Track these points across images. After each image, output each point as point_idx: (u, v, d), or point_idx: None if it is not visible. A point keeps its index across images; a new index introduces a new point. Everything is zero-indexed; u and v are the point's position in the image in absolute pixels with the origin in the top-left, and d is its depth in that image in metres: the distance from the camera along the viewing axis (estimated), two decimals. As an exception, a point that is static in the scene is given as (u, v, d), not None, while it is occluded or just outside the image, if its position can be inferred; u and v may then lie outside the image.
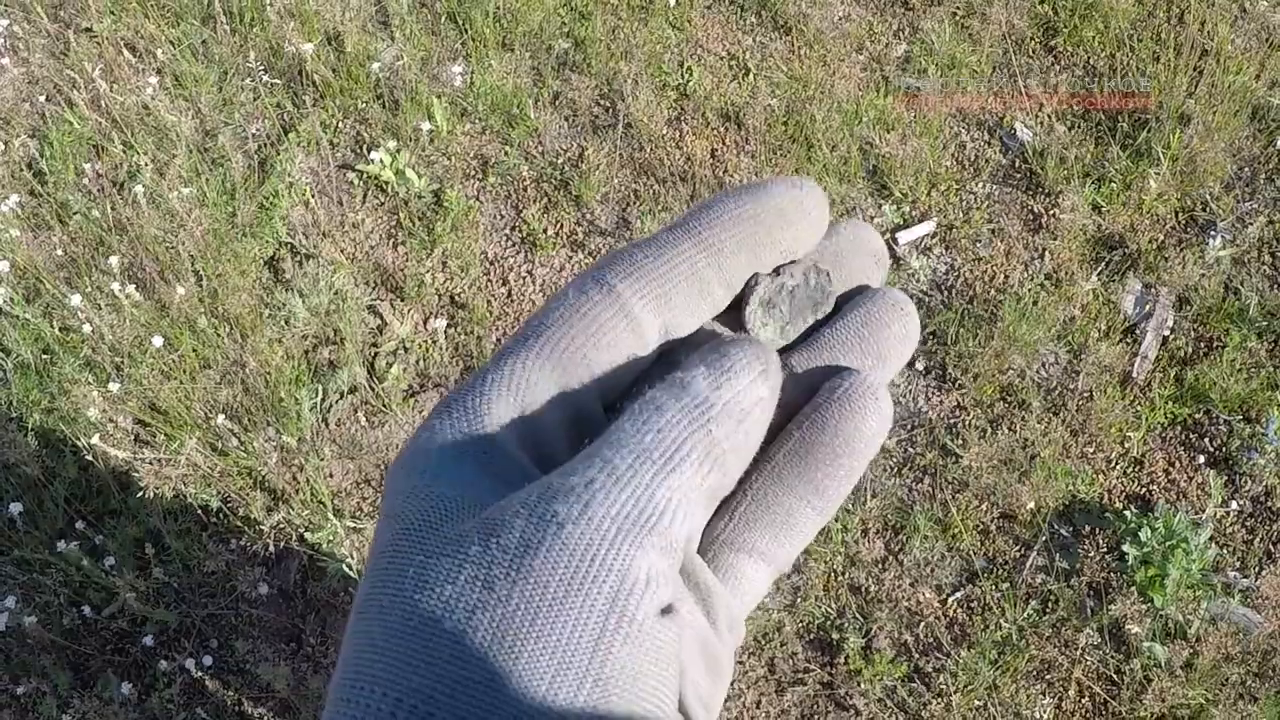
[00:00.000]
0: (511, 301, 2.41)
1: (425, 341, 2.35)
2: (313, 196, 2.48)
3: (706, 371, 0.30)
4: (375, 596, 0.28)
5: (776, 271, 0.35)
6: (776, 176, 0.34)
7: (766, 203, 0.33)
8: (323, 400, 2.26)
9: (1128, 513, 2.16)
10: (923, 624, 2.12)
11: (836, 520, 2.19)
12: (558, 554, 0.26)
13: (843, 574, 2.17)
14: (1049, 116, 2.66)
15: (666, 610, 0.27)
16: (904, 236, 2.50)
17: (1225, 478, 2.23)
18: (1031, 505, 2.20)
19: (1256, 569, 2.15)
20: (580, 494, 0.27)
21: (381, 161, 2.49)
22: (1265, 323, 2.37)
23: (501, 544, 0.27)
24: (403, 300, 2.39)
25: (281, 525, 2.15)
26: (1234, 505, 2.20)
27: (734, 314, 0.36)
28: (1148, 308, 2.41)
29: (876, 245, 0.38)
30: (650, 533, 0.27)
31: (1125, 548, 2.11)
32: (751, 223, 0.33)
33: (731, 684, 2.08)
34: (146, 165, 2.47)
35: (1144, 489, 2.24)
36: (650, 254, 0.32)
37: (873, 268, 0.37)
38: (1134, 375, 2.34)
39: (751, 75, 2.70)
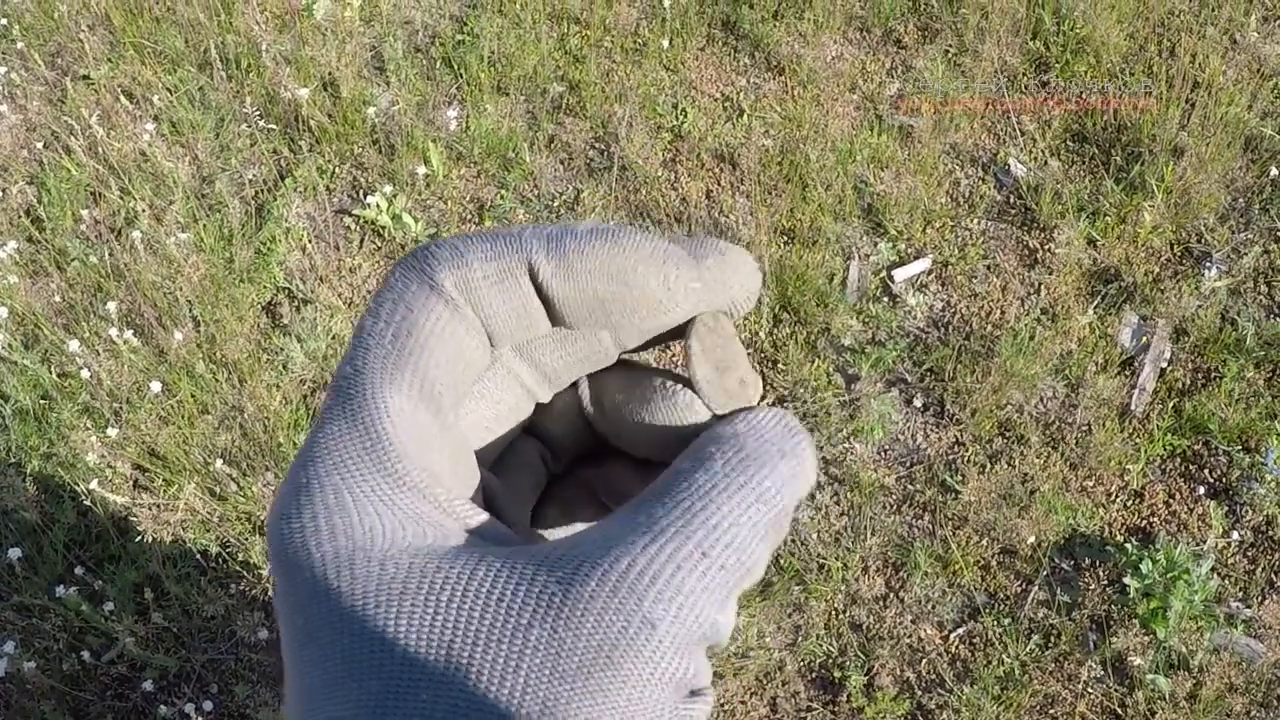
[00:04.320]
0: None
1: (423, 383, 2.45)
2: (310, 241, 2.61)
3: (793, 471, 0.31)
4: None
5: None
6: (647, 251, 0.32)
7: (631, 293, 0.32)
8: (321, 443, 2.36)
9: (1129, 545, 2.25)
10: (925, 660, 2.20)
11: (837, 558, 2.28)
12: (638, 654, 0.27)
13: (844, 612, 2.26)
14: (1043, 152, 2.79)
15: (698, 691, 0.29)
16: (900, 274, 2.61)
17: (1226, 508, 2.33)
18: (1032, 540, 2.29)
19: (1259, 599, 2.24)
20: (673, 599, 0.27)
21: (378, 206, 2.61)
22: (1262, 352, 2.48)
23: (583, 640, 0.26)
24: (400, 342, 2.50)
25: (280, 569, 2.24)
26: (1235, 535, 2.30)
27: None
28: (1145, 340, 2.53)
29: (745, 280, 0.35)
30: (712, 641, 0.29)
31: (1127, 580, 2.20)
32: (600, 309, 0.33)
33: (734, 723, 2.17)
34: (144, 211, 2.59)
35: (1144, 521, 2.34)
36: (495, 290, 0.32)
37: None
38: (1132, 407, 2.45)
39: (745, 116, 2.84)
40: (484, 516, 0.31)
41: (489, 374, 0.35)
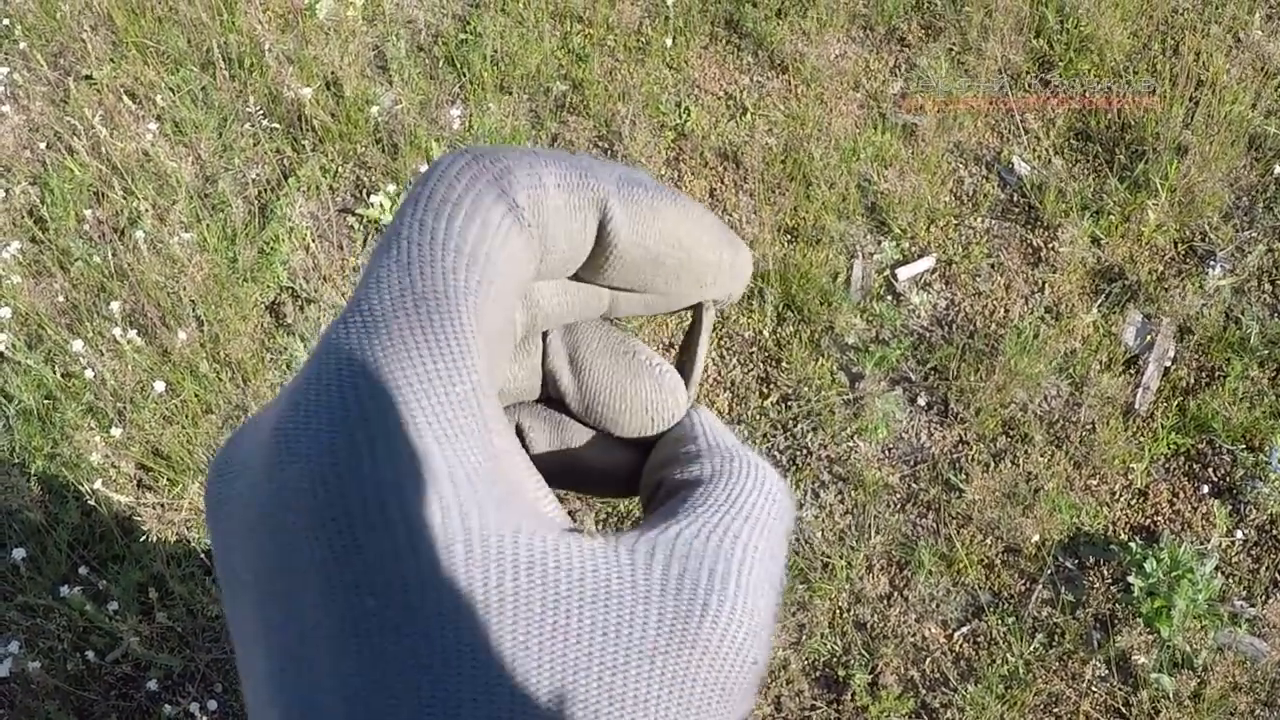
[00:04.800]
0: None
1: (426, 383, 2.46)
2: (313, 241, 2.61)
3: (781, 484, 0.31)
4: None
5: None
6: (709, 224, 0.32)
7: (691, 263, 0.32)
8: (325, 443, 2.37)
9: (1133, 544, 2.26)
10: (929, 659, 2.21)
11: (841, 557, 2.29)
12: (746, 689, 0.27)
13: (848, 610, 2.26)
14: (1047, 150, 2.80)
15: None
16: (904, 272, 2.62)
17: (1230, 507, 2.33)
18: (1036, 538, 2.30)
19: (1263, 597, 2.24)
20: (768, 636, 0.28)
21: (381, 205, 2.62)
22: (1266, 351, 2.48)
23: (711, 675, 0.26)
24: (403, 342, 2.50)
25: (284, 568, 2.25)
26: (1239, 534, 2.30)
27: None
28: (1149, 338, 2.53)
29: (746, 277, 0.36)
30: None
31: (1131, 579, 2.20)
32: (653, 270, 0.31)
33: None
34: (147, 211, 2.60)
35: (1149, 520, 2.34)
36: (562, 223, 0.29)
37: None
38: (1136, 406, 2.45)
39: (749, 114, 2.84)
40: (548, 491, 0.28)
41: None
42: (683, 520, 0.28)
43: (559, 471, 0.34)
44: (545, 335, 0.34)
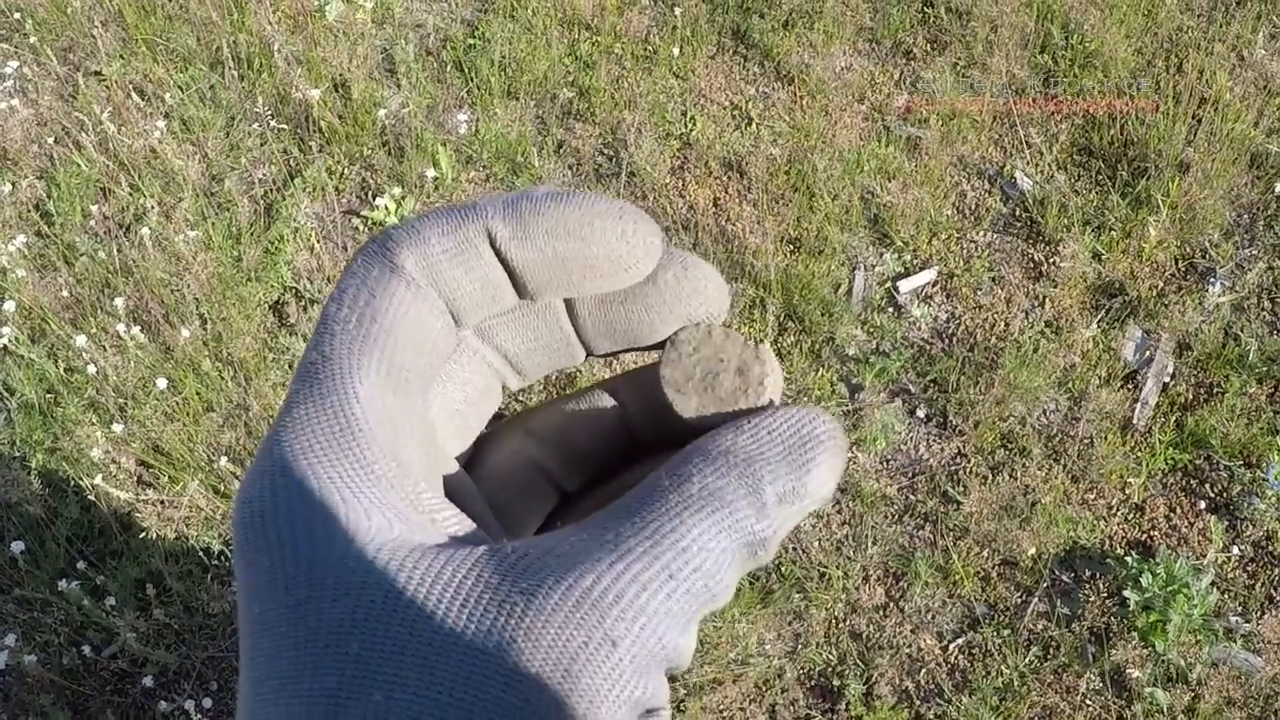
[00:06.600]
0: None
1: (428, 384, 2.46)
2: (318, 242, 2.62)
3: (790, 489, 0.30)
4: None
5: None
6: (603, 208, 0.32)
7: (590, 249, 0.32)
8: (325, 442, 2.37)
9: (1129, 558, 2.26)
10: (924, 670, 2.21)
11: (838, 567, 2.29)
12: (596, 670, 0.26)
13: (844, 620, 2.26)
14: (1049, 165, 2.80)
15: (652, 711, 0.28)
16: (905, 285, 2.62)
17: (1226, 523, 2.33)
18: (1033, 551, 2.30)
19: (1258, 613, 2.24)
20: (636, 618, 0.27)
21: (386, 208, 2.62)
22: (1265, 368, 2.49)
23: (540, 653, 0.26)
24: (406, 343, 2.51)
25: (283, 567, 2.24)
26: (1235, 550, 2.30)
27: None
28: (1148, 354, 2.53)
29: (708, 298, 0.34)
30: (672, 664, 0.28)
31: (1126, 593, 2.20)
32: (561, 269, 0.32)
33: (732, 729, 2.17)
34: (153, 208, 2.60)
35: (1145, 535, 2.34)
36: (456, 263, 0.31)
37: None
38: (1135, 421, 2.45)
39: (754, 124, 2.85)
40: (451, 510, 0.30)
41: (455, 357, 0.35)
42: (579, 535, 0.28)
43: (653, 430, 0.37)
44: (620, 397, 0.37)
